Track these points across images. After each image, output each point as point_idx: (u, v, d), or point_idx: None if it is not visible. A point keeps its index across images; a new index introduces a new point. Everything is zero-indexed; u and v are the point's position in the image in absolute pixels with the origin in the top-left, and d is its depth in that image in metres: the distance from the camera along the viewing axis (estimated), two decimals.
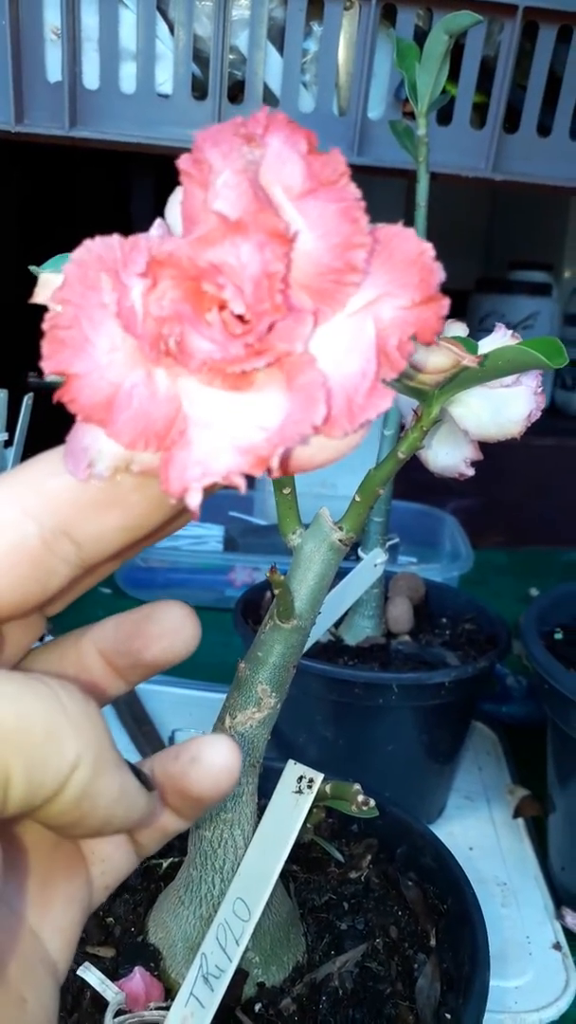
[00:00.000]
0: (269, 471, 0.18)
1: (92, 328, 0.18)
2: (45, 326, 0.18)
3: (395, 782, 0.59)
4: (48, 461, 0.20)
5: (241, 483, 0.17)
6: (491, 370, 0.30)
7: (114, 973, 0.36)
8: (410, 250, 0.19)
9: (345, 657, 0.59)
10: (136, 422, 0.18)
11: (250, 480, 0.17)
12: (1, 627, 0.21)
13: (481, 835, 0.61)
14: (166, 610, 0.23)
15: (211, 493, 0.18)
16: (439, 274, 0.18)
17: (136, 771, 0.20)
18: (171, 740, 0.69)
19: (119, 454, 0.18)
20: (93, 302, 0.18)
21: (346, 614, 0.62)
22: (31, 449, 0.71)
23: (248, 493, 1.11)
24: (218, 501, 1.10)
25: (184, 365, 0.18)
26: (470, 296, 1.31)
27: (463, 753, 0.64)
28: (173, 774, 0.22)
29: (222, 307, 0.18)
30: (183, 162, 0.18)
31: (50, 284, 0.21)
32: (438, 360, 0.25)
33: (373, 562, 0.60)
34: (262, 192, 0.18)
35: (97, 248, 0.18)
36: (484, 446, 0.37)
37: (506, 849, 0.60)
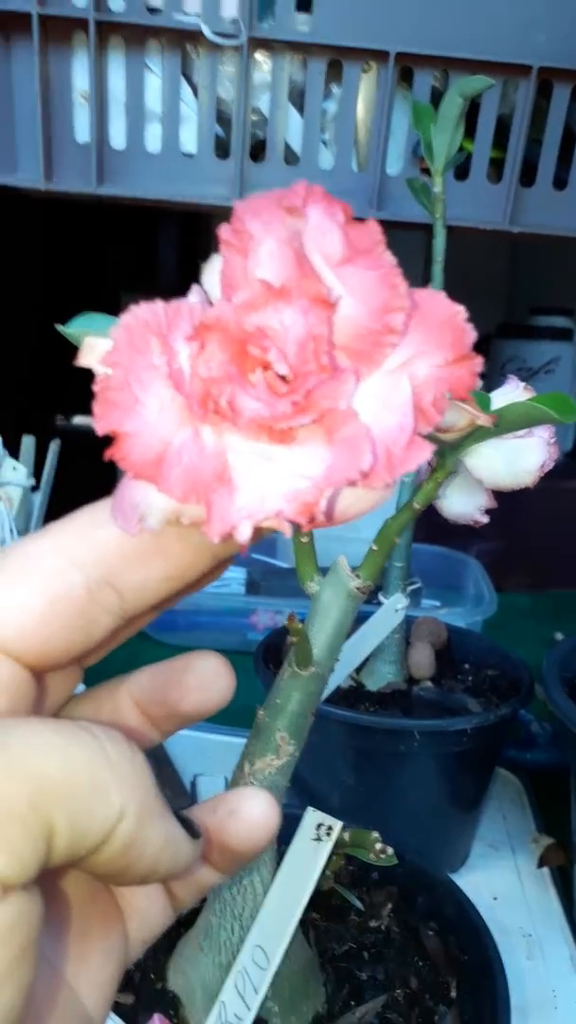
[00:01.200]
0: (313, 519, 0.18)
1: (141, 389, 0.19)
2: (96, 388, 0.19)
3: (418, 830, 0.59)
4: (93, 513, 0.20)
5: (287, 528, 0.18)
6: (504, 425, 0.30)
7: (134, 1019, 0.37)
8: (443, 312, 0.20)
9: (366, 703, 0.59)
10: (187, 477, 0.18)
11: (295, 527, 0.18)
12: (43, 677, 0.22)
13: (505, 884, 0.61)
14: (202, 661, 0.24)
15: (257, 539, 0.19)
16: (471, 334, 0.19)
17: (181, 818, 0.21)
18: (193, 785, 0.69)
19: (169, 508, 0.19)
20: (141, 364, 0.19)
21: (367, 659, 0.62)
22: (57, 493, 0.73)
23: (271, 536, 1.12)
24: None
25: (233, 423, 0.19)
26: (492, 341, 1.33)
27: (487, 800, 0.64)
28: (211, 827, 0.22)
29: (265, 368, 0.19)
30: (224, 232, 0.19)
31: (95, 348, 0.22)
32: (454, 420, 0.26)
33: (394, 607, 0.60)
34: (305, 260, 0.19)
35: (143, 314, 0.20)
36: (509, 492, 0.38)
37: (531, 899, 0.59)
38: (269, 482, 0.19)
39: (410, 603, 0.65)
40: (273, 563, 1.11)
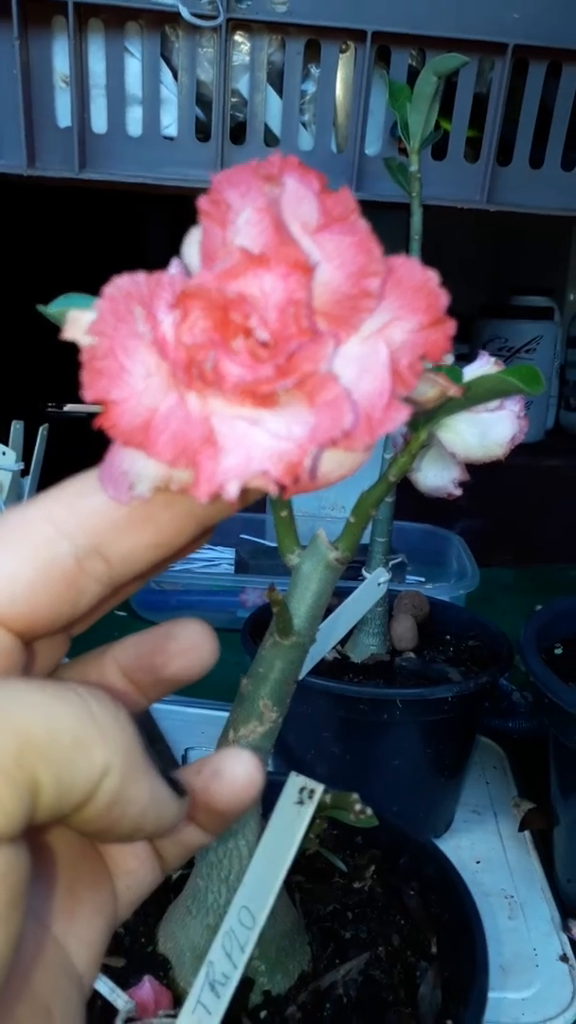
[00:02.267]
0: (298, 479, 0.19)
1: (127, 357, 0.19)
2: (83, 358, 0.19)
3: (403, 796, 0.60)
4: (81, 482, 0.21)
5: (273, 487, 0.18)
6: (473, 397, 0.32)
7: (124, 982, 0.38)
8: (416, 278, 0.21)
9: (351, 674, 0.61)
10: (175, 441, 0.19)
11: (280, 489, 0.19)
12: (31, 645, 0.22)
13: (488, 848, 0.62)
14: (186, 627, 0.25)
15: (244, 501, 0.20)
16: (444, 298, 0.20)
17: (167, 777, 0.21)
18: (184, 759, 0.71)
19: (158, 475, 0.20)
20: (126, 333, 0.20)
21: (351, 632, 0.63)
22: (46, 478, 0.74)
23: (258, 516, 1.13)
24: (229, 525, 1.12)
25: (218, 387, 0.19)
26: (474, 322, 1.33)
27: (470, 768, 0.65)
28: (196, 788, 0.23)
29: (247, 335, 0.20)
30: (202, 202, 0.20)
31: (78, 321, 0.22)
32: (425, 391, 0.27)
33: (376, 581, 0.62)
34: (283, 226, 0.20)
35: (125, 284, 0.20)
36: (492, 468, 0.39)
37: (513, 862, 0.61)
38: (254, 444, 0.19)
39: (395, 578, 0.66)
40: (261, 543, 1.12)
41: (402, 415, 0.20)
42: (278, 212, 0.20)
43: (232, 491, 0.18)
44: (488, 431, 0.36)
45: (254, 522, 1.13)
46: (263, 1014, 0.37)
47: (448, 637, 0.68)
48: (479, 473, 0.38)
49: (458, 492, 0.39)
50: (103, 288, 0.20)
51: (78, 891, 0.24)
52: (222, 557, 1.09)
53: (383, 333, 0.20)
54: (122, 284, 0.20)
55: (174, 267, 0.21)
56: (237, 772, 0.23)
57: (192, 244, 0.21)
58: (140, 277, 0.20)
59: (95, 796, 0.18)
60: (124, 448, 0.20)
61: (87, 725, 0.18)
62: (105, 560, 0.21)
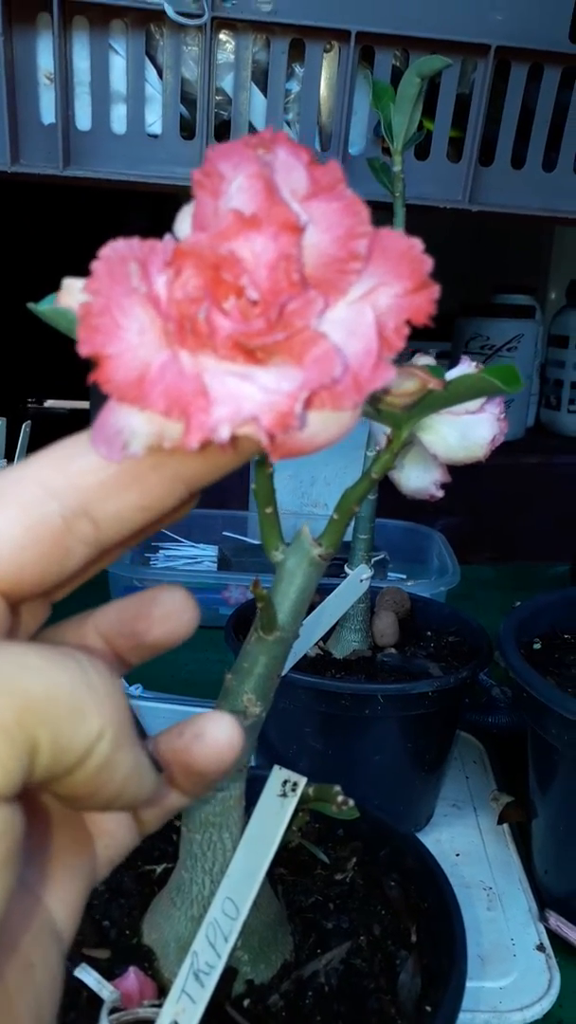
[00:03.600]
0: (288, 428, 0.19)
1: (122, 314, 0.20)
2: (78, 315, 0.19)
3: (384, 791, 0.61)
4: (70, 444, 0.21)
5: (263, 435, 0.19)
6: (454, 395, 0.32)
7: (109, 973, 0.38)
8: (401, 245, 0.21)
9: (333, 670, 0.61)
10: (168, 394, 0.19)
11: (270, 441, 0.19)
12: (16, 608, 0.22)
13: (467, 842, 0.63)
14: (168, 593, 0.25)
15: (239, 456, 0.20)
16: (428, 263, 0.21)
17: (147, 752, 0.21)
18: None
19: (151, 432, 0.20)
20: (121, 291, 0.20)
21: (333, 628, 0.64)
22: None
23: (241, 513, 1.14)
24: (211, 522, 1.12)
25: (211, 340, 0.20)
26: (455, 320, 1.34)
27: (450, 762, 0.66)
28: (177, 750, 0.23)
29: (239, 295, 0.20)
30: (196, 173, 0.20)
31: (73, 288, 0.23)
32: (407, 385, 0.28)
33: (359, 577, 0.62)
34: (275, 188, 0.20)
35: (120, 247, 0.21)
36: (473, 467, 0.40)
37: (492, 855, 0.62)
38: (245, 396, 0.19)
39: (377, 575, 0.66)
40: (244, 540, 1.12)
41: (389, 374, 0.21)
42: (270, 175, 0.20)
43: (223, 434, 0.19)
44: (469, 432, 0.37)
45: (237, 520, 1.13)
46: (246, 1003, 0.37)
47: (429, 633, 0.69)
48: (460, 471, 0.38)
49: (440, 494, 0.40)
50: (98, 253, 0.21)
51: (59, 852, 0.24)
52: (205, 555, 1.09)
53: (369, 298, 0.21)
54: (117, 247, 0.21)
55: (167, 242, 0.22)
56: (219, 735, 0.23)
57: (184, 218, 0.22)
58: (135, 242, 0.21)
59: (88, 759, 0.19)
60: (118, 406, 0.20)
61: (85, 691, 0.19)
62: (93, 521, 0.21)
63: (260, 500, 0.36)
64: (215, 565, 1.07)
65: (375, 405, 0.33)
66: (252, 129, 0.68)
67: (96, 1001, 0.37)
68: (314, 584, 0.37)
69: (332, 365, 0.20)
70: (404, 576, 1.03)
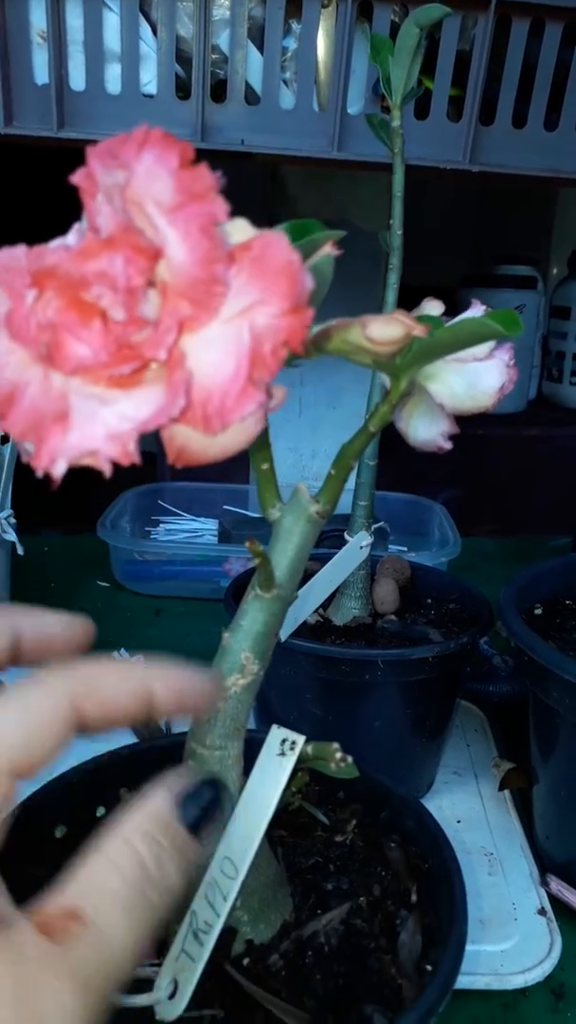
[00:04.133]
0: (128, 456, 0.20)
1: None
2: None
3: (384, 757, 0.61)
4: None
5: (106, 467, 0.20)
6: (454, 341, 0.31)
7: None
8: (280, 260, 0.20)
9: (333, 636, 0.61)
10: (27, 415, 0.20)
11: (98, 478, 0.20)
12: None
13: (469, 808, 0.63)
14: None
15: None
16: (305, 283, 0.20)
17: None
18: (168, 725, 0.71)
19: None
20: None
21: (333, 595, 0.63)
22: None
23: (241, 487, 1.13)
24: (212, 496, 1.12)
25: (60, 368, 0.20)
26: (457, 291, 1.33)
27: (451, 730, 0.66)
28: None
29: (103, 316, 0.20)
30: (76, 176, 0.20)
31: None
32: (390, 331, 0.27)
33: (358, 544, 0.62)
34: (128, 209, 0.20)
35: (3, 259, 0.20)
36: (475, 440, 0.39)
37: (493, 821, 0.62)
38: (99, 423, 0.20)
39: (378, 547, 0.66)
40: (244, 513, 1.12)
41: (252, 404, 0.20)
42: (122, 194, 0.20)
43: (59, 469, 0.20)
44: (477, 380, 0.36)
45: (237, 493, 1.13)
46: (246, 962, 0.37)
47: (429, 600, 0.68)
48: (461, 443, 0.38)
49: (448, 445, 0.39)
50: None
51: None
52: (205, 528, 1.09)
53: (247, 315, 0.20)
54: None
55: (73, 234, 0.21)
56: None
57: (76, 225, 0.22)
58: (20, 251, 0.20)
59: None
60: None
61: None
62: None
63: (256, 457, 0.36)
64: (216, 538, 1.06)
65: (360, 356, 0.32)
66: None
67: None
68: (311, 542, 0.36)
69: (176, 398, 0.20)
70: (405, 548, 1.03)
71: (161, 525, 1.09)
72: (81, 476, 0.22)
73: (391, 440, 0.38)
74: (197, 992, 0.33)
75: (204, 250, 0.19)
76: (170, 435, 0.22)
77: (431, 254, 1.44)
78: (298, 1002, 0.35)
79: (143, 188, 0.19)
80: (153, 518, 1.10)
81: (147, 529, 1.08)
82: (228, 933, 0.38)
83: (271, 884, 0.39)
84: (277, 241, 0.20)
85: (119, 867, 0.25)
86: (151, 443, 0.22)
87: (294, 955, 0.38)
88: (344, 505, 0.62)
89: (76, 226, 0.22)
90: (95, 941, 0.23)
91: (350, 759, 0.36)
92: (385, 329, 0.29)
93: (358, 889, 0.41)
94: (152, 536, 1.07)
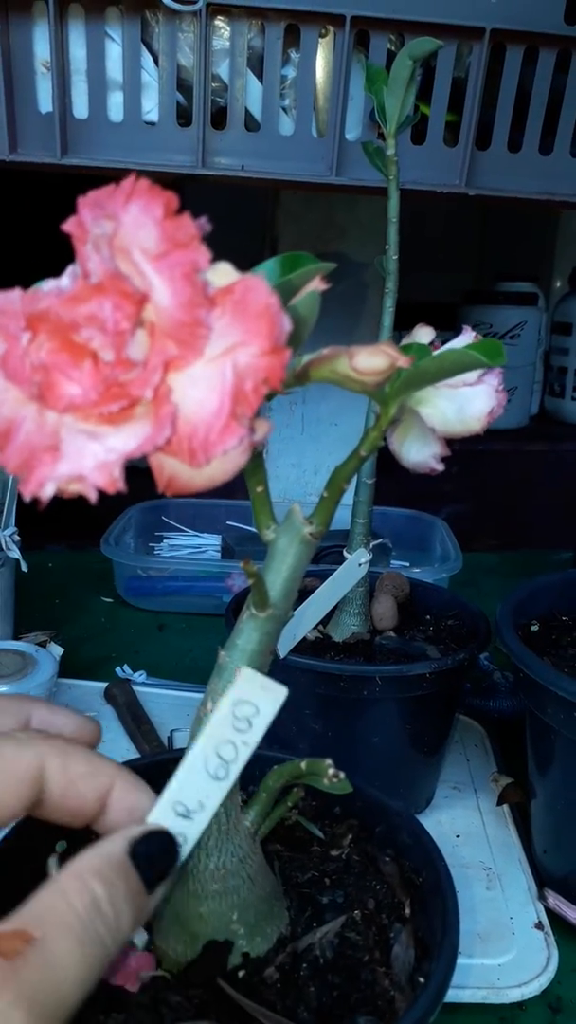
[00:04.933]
0: (114, 484, 0.22)
1: None
2: None
3: (383, 773, 0.61)
4: None
5: (91, 494, 0.21)
6: (439, 370, 0.32)
7: None
8: (259, 303, 0.22)
9: (332, 652, 0.62)
10: (22, 451, 0.21)
11: (102, 495, 0.22)
12: None
13: (468, 823, 0.64)
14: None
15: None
16: (283, 325, 0.22)
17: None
18: (170, 740, 0.72)
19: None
20: None
21: (332, 612, 0.64)
22: None
23: (244, 503, 1.14)
24: (216, 512, 1.13)
25: (53, 407, 0.21)
26: (458, 308, 1.34)
27: (451, 745, 0.67)
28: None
29: (94, 357, 0.21)
30: (68, 224, 0.22)
31: None
32: (375, 362, 0.28)
33: (357, 561, 0.63)
34: (116, 256, 0.21)
35: None
36: (477, 455, 0.40)
37: (491, 835, 0.62)
38: (88, 455, 0.21)
39: (380, 563, 0.67)
40: (247, 529, 1.13)
41: (234, 439, 0.22)
42: (110, 243, 0.21)
43: (48, 491, 0.21)
44: (466, 405, 0.37)
45: (240, 509, 1.14)
46: (241, 974, 0.37)
47: (428, 617, 0.69)
48: (464, 459, 0.39)
49: (440, 467, 0.40)
50: None
51: None
52: (208, 544, 1.10)
53: (230, 355, 0.22)
54: None
55: (67, 276, 0.23)
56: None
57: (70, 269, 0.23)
58: (15, 294, 0.22)
59: None
60: None
61: None
62: None
63: (250, 480, 0.37)
64: (219, 554, 1.07)
65: (350, 385, 0.33)
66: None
67: None
68: (305, 563, 0.37)
69: (161, 431, 0.21)
70: (407, 564, 1.03)
71: (165, 541, 1.10)
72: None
73: (392, 457, 0.39)
74: (191, 1002, 0.34)
75: (187, 295, 0.21)
76: (159, 465, 0.23)
77: (434, 271, 1.46)
78: (292, 1014, 0.36)
79: (130, 236, 0.21)
80: (157, 534, 1.11)
81: (151, 545, 1.10)
82: (223, 947, 0.38)
83: (268, 897, 0.40)
84: (257, 285, 0.22)
85: (72, 901, 0.26)
86: None
87: (289, 968, 0.38)
88: (346, 521, 0.63)
89: (70, 268, 0.23)
90: (44, 964, 0.23)
91: (343, 775, 0.37)
92: (370, 360, 0.30)
93: (353, 903, 0.42)
94: (156, 552, 1.08)
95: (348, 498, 0.63)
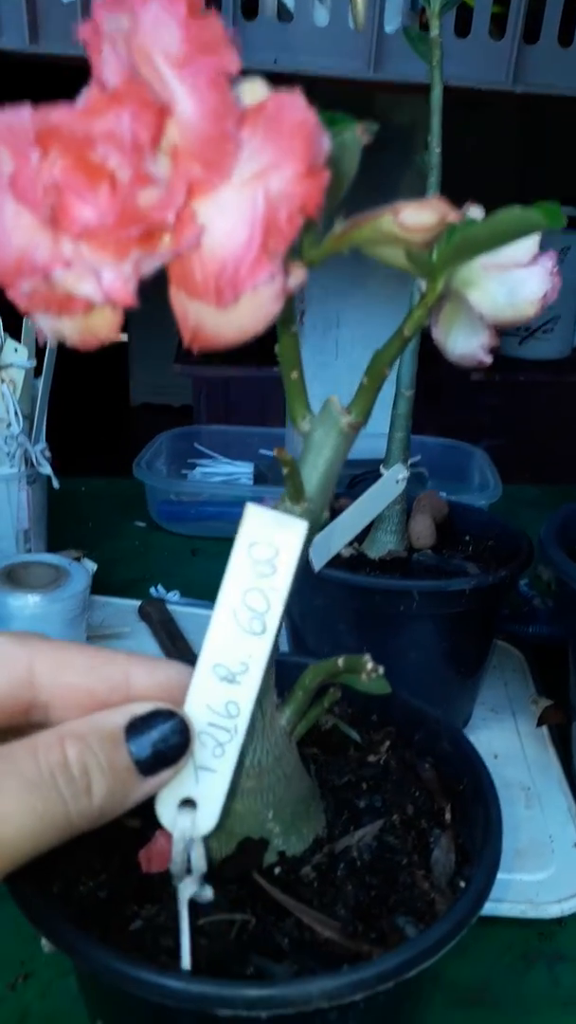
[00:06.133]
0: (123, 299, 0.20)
1: None
2: None
3: (419, 690, 0.60)
4: None
5: (99, 296, 0.20)
6: (493, 235, 0.30)
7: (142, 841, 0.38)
8: (294, 117, 0.19)
9: (367, 568, 0.60)
10: (35, 293, 0.19)
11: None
12: None
13: (506, 743, 0.63)
14: None
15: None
16: (321, 143, 0.19)
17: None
18: None
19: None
20: None
21: (368, 529, 0.62)
22: (59, 376, 0.73)
23: (278, 430, 1.13)
24: (249, 439, 1.11)
25: (67, 231, 0.19)
26: None
27: (489, 670, 0.65)
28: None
29: (111, 176, 0.19)
30: (82, 31, 0.19)
31: None
32: (424, 217, 0.26)
33: (395, 478, 0.61)
34: (135, 59, 0.19)
35: (6, 119, 0.19)
36: (516, 387, 0.38)
37: (530, 756, 0.61)
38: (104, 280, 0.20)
39: (415, 491, 0.65)
40: None
41: (265, 273, 0.19)
42: (128, 42, 0.19)
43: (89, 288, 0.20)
44: (518, 288, 0.35)
45: (274, 437, 1.12)
46: (277, 871, 0.37)
47: (467, 538, 0.67)
48: (504, 391, 0.36)
49: (488, 359, 0.37)
50: None
51: None
52: (241, 471, 1.09)
53: (262, 180, 0.19)
54: (2, 119, 0.19)
55: (84, 96, 0.20)
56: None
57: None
58: (25, 112, 0.19)
59: None
60: None
61: None
62: None
63: (285, 364, 0.35)
64: (251, 481, 1.06)
65: (393, 249, 0.31)
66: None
67: None
68: (343, 456, 0.35)
69: (189, 239, 0.19)
70: (444, 493, 1.01)
71: (197, 468, 1.09)
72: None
73: (432, 386, 0.37)
74: (227, 896, 0.33)
75: (213, 104, 0.18)
76: (183, 311, 0.21)
77: (474, 195, 1.40)
78: (329, 912, 0.35)
79: (150, 37, 0.18)
80: (189, 461, 1.10)
81: (183, 472, 1.08)
82: (259, 844, 0.38)
83: (304, 798, 0.39)
84: (292, 101, 0.19)
85: (39, 753, 0.25)
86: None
87: (326, 868, 0.38)
88: (379, 450, 0.61)
89: (84, 91, 0.21)
90: None
91: (381, 669, 0.36)
92: (418, 215, 0.28)
93: (391, 807, 0.41)
94: (188, 478, 1.07)
95: (382, 428, 0.61)
